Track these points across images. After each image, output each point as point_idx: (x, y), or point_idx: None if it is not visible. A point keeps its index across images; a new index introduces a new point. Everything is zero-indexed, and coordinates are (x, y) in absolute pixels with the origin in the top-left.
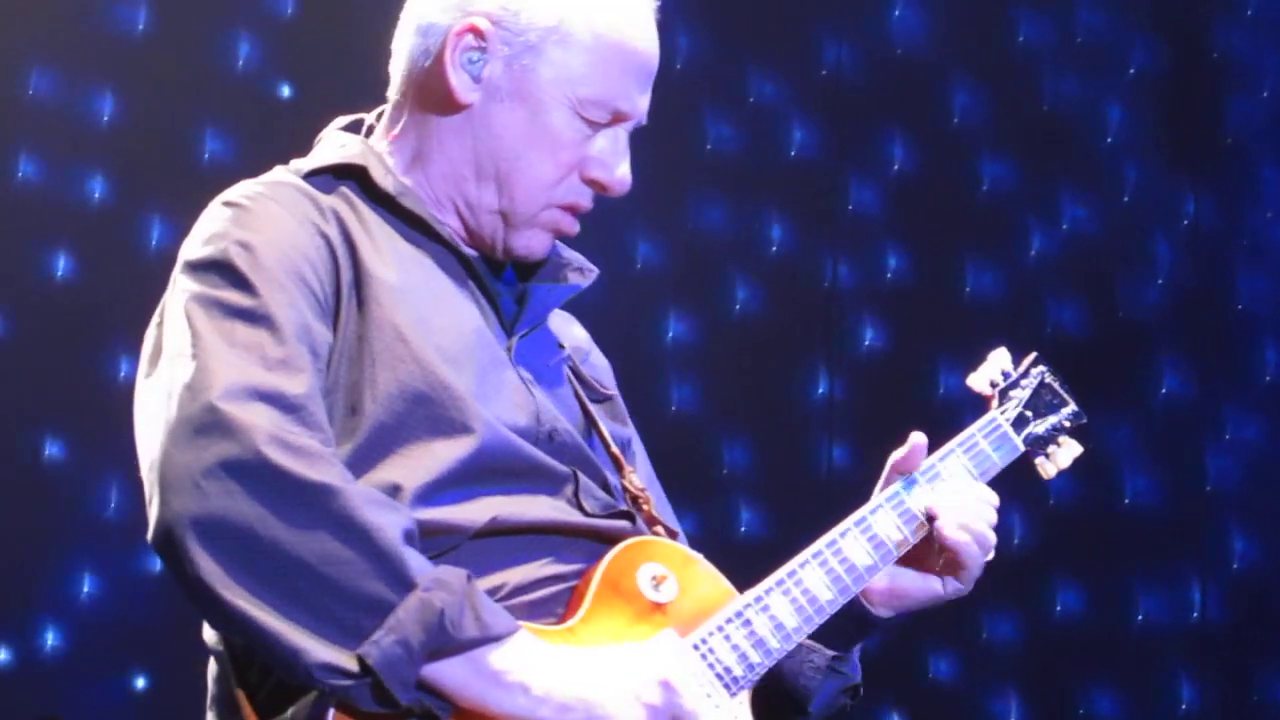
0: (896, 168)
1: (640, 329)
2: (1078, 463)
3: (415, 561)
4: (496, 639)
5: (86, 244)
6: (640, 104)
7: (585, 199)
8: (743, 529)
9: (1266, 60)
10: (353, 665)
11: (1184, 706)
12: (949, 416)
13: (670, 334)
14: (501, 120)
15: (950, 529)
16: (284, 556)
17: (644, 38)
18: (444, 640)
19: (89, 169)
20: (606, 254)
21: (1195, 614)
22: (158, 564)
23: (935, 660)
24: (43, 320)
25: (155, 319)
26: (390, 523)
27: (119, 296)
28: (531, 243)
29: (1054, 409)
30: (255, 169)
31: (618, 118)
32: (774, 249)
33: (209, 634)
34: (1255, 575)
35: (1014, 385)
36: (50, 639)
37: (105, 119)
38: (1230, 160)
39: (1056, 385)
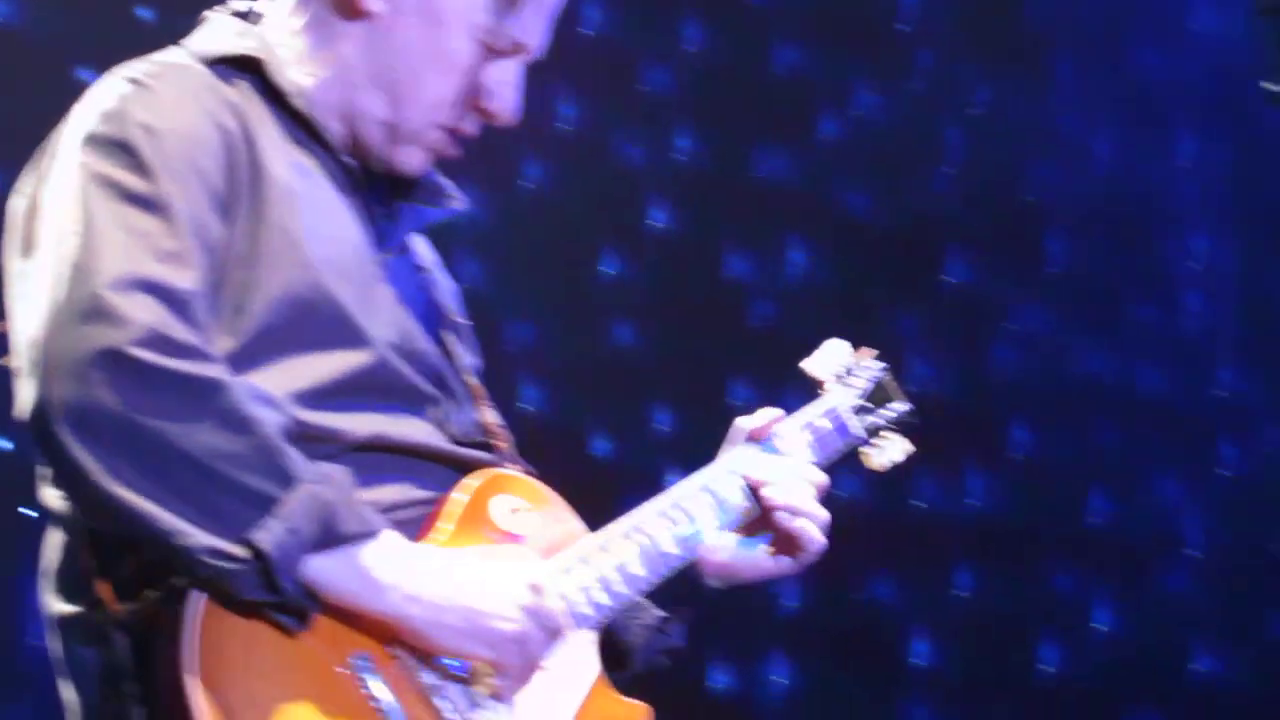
0: (689, 47)
1: None
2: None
3: (299, 456)
4: (373, 534)
5: None
6: (540, 39)
7: (472, 125)
8: (524, 405)
9: None
10: (241, 550)
11: (959, 593)
12: (733, 299)
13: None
14: (403, 35)
15: (777, 503)
16: (167, 448)
17: None
18: (330, 533)
19: None
20: None
21: (971, 500)
22: None
23: None
24: None
25: (27, 186)
26: (271, 419)
27: None
28: (411, 159)
29: (888, 404)
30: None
31: (517, 48)
32: (563, 126)
33: (52, 500)
34: (1032, 465)
35: (851, 375)
36: None
37: None
38: (1024, 50)
39: (895, 383)
